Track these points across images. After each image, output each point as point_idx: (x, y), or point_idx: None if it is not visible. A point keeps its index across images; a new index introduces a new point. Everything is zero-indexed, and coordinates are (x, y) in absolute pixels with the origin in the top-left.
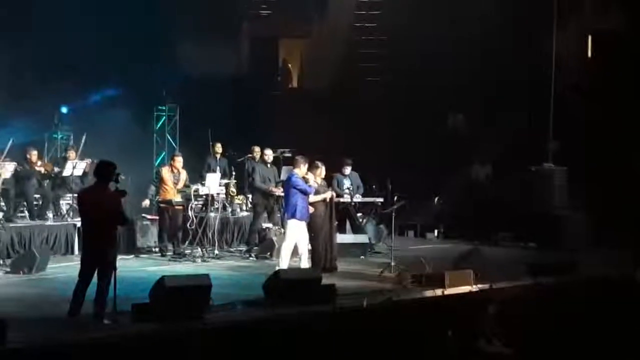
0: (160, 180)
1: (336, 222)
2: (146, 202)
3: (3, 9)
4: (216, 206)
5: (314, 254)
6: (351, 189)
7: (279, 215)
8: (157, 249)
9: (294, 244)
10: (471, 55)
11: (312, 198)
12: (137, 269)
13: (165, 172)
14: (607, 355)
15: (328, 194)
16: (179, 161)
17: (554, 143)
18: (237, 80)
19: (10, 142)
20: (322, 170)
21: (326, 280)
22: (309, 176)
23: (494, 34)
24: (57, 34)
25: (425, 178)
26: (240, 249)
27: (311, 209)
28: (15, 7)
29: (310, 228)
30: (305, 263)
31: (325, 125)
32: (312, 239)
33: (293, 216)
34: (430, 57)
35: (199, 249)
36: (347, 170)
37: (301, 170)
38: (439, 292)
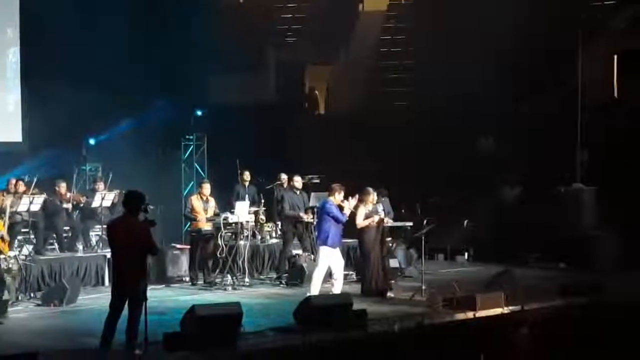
0: (190, 210)
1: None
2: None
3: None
4: (246, 234)
5: (363, 276)
6: (383, 214)
7: (309, 241)
8: (187, 278)
9: (325, 270)
10: (498, 77)
11: (360, 223)
12: (168, 298)
13: (195, 200)
14: None
15: (376, 218)
16: (206, 188)
17: (584, 154)
18: (264, 108)
19: (36, 178)
20: (374, 196)
21: (357, 305)
22: (345, 204)
23: (522, 54)
24: (85, 65)
25: (455, 201)
26: (271, 276)
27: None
28: (47, 39)
29: (361, 251)
30: (338, 288)
31: (352, 150)
32: (363, 262)
33: (324, 243)
34: (457, 80)
35: (230, 277)
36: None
37: (336, 198)
38: (470, 314)
